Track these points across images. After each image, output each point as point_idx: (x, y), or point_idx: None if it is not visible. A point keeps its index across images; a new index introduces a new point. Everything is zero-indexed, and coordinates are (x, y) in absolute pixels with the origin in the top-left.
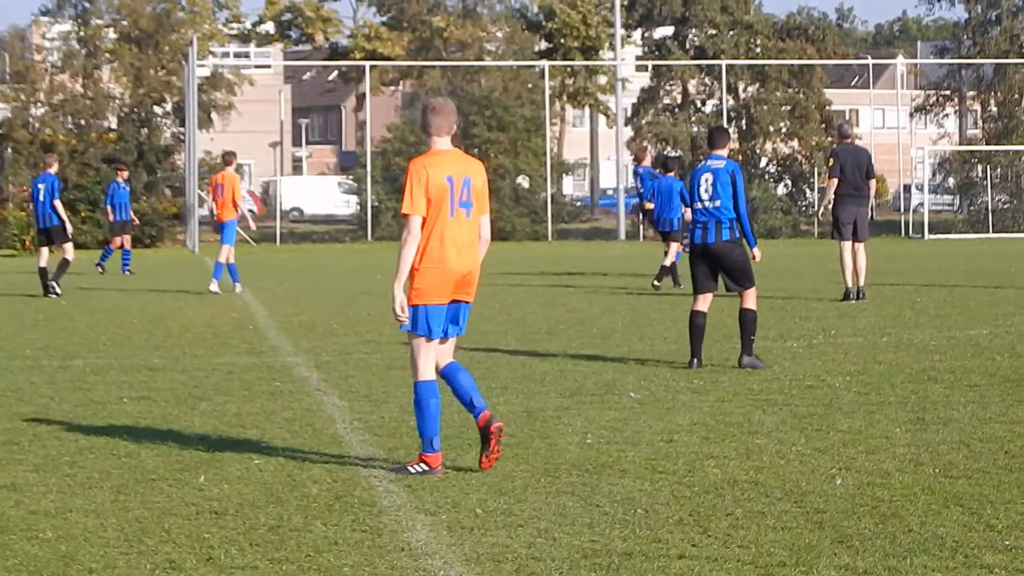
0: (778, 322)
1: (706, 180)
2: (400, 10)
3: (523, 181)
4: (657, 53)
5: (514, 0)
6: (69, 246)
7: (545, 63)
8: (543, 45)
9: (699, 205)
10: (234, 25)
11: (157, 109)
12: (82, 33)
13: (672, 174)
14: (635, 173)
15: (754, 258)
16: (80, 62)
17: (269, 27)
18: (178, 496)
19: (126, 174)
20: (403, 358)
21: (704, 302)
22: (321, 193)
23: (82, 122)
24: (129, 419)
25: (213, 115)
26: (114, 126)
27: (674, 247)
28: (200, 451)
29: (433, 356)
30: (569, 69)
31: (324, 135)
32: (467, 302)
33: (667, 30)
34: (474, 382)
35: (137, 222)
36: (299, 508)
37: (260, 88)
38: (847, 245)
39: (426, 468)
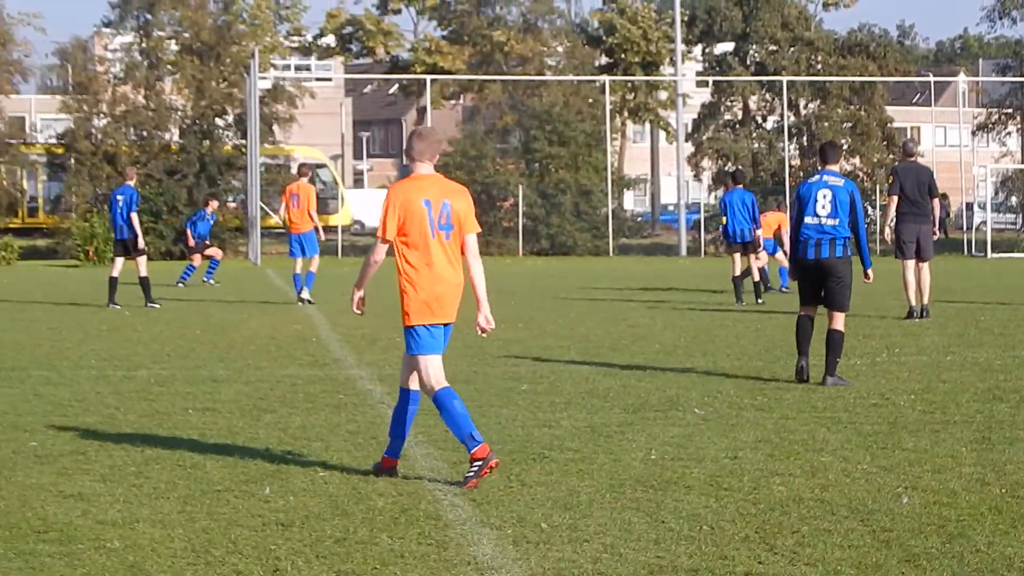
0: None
1: (823, 196)
2: (461, 24)
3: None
4: (717, 69)
5: (575, 15)
6: (142, 260)
7: (606, 78)
8: (604, 60)
9: (813, 220)
10: (295, 38)
11: (219, 121)
12: (144, 45)
13: (742, 186)
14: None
15: (866, 278)
16: (142, 74)
17: (330, 40)
18: (244, 508)
19: (215, 205)
20: (466, 372)
21: (812, 309)
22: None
23: (144, 133)
24: (194, 430)
25: (274, 127)
26: (176, 138)
27: (755, 257)
28: (265, 463)
29: (440, 366)
30: (630, 84)
31: (385, 148)
32: (447, 324)
33: (727, 46)
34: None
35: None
36: (365, 520)
37: (321, 101)
38: (910, 264)
39: (481, 463)
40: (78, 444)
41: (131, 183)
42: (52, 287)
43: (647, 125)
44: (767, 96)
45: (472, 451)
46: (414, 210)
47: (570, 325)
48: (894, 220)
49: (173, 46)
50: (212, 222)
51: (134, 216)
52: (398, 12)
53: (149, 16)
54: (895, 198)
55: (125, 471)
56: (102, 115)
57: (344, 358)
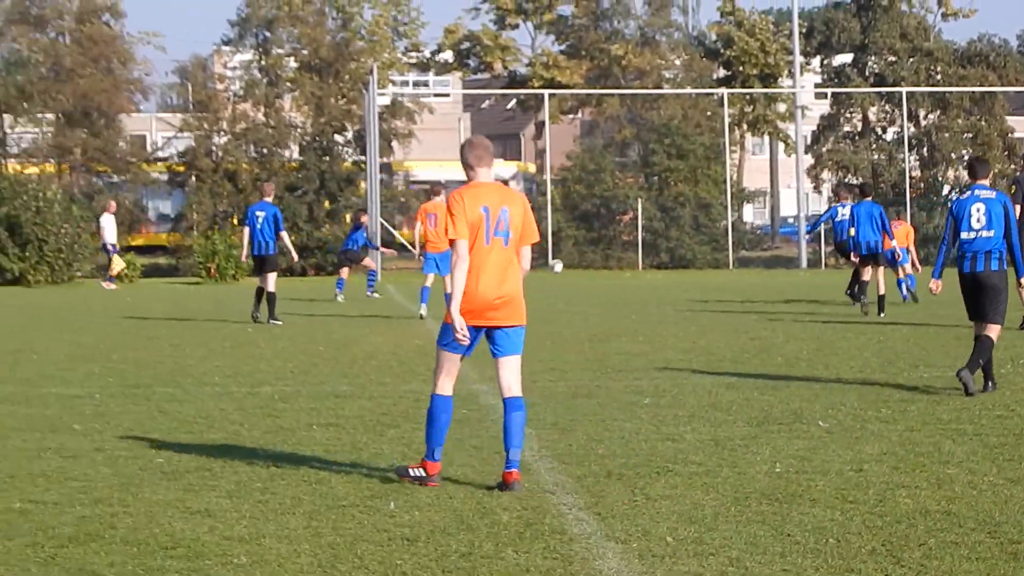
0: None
1: (977, 210)
2: (578, 38)
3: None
4: (836, 80)
5: (692, 28)
6: (272, 277)
7: (724, 91)
8: (722, 73)
9: (969, 235)
10: (413, 54)
11: (338, 137)
12: (263, 62)
13: (870, 198)
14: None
15: (1020, 287)
16: (262, 91)
17: (448, 55)
18: (370, 522)
19: (367, 219)
20: (588, 386)
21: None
22: None
23: (264, 151)
24: (319, 446)
25: (393, 143)
26: (296, 155)
27: (880, 270)
28: (390, 478)
29: (454, 373)
30: (748, 97)
31: None
32: (503, 327)
33: (846, 57)
34: (521, 430)
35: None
36: (490, 535)
37: (439, 116)
38: None
39: (423, 474)
40: (203, 460)
41: (269, 199)
42: (174, 304)
43: (766, 137)
44: (886, 107)
45: (426, 460)
46: (472, 216)
47: (691, 338)
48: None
49: (292, 63)
50: (365, 235)
51: (284, 235)
52: (516, 27)
53: (268, 34)
54: (1018, 207)
55: (251, 487)
56: (222, 133)
57: (466, 373)
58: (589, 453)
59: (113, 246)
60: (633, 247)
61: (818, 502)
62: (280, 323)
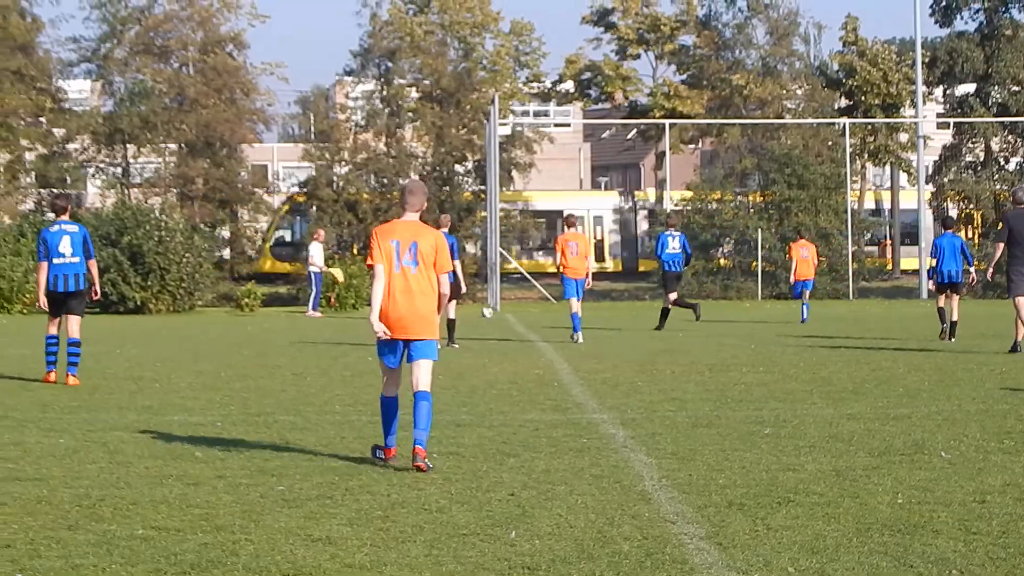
0: None
1: None
2: (700, 68)
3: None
4: (959, 110)
5: (814, 58)
6: (452, 304)
7: (845, 121)
8: (843, 102)
9: None
10: (534, 84)
11: (458, 167)
12: (385, 92)
13: (952, 231)
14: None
15: None
16: (383, 121)
17: (569, 85)
18: (490, 551)
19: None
20: (708, 416)
21: None
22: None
23: (385, 180)
24: (439, 474)
25: (513, 173)
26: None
27: (955, 298)
28: (510, 507)
29: (391, 378)
30: (870, 126)
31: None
32: (415, 339)
33: (969, 87)
34: (426, 416)
35: None
36: (611, 564)
37: (559, 146)
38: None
39: (383, 458)
40: (324, 488)
41: (445, 229)
42: (295, 333)
43: (887, 167)
44: (1009, 137)
45: (385, 447)
46: (384, 248)
47: (812, 369)
48: (1006, 263)
49: (413, 93)
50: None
51: (456, 263)
52: (637, 57)
53: (390, 64)
54: (1001, 245)
55: (371, 515)
56: (343, 163)
57: (586, 402)
58: (710, 483)
59: (320, 272)
60: (752, 277)
61: (941, 533)
62: (457, 346)
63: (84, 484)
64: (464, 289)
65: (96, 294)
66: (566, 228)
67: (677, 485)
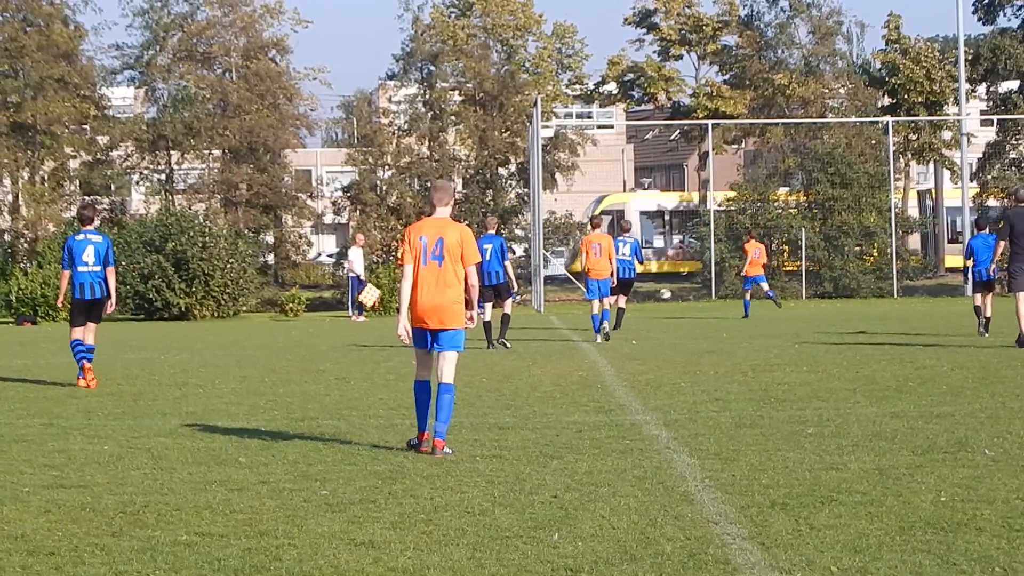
0: None
1: None
2: (742, 68)
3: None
4: (1002, 107)
5: (857, 56)
6: (509, 303)
7: (888, 119)
8: (886, 101)
9: None
10: (577, 86)
11: (501, 170)
12: (428, 96)
13: (986, 231)
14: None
15: None
16: (426, 125)
17: (611, 87)
18: (533, 554)
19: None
20: (751, 416)
21: None
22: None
23: (428, 184)
24: (482, 477)
25: (556, 175)
26: (459, 188)
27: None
28: (553, 509)
29: (427, 363)
30: (913, 124)
31: None
32: (441, 329)
33: (1012, 83)
34: (448, 408)
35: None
36: (653, 566)
37: (602, 148)
38: (1021, 295)
39: (416, 444)
40: (367, 493)
41: (493, 231)
42: (339, 338)
43: (931, 165)
44: None
45: (420, 432)
46: (414, 244)
47: (855, 367)
48: (1008, 259)
49: (456, 97)
50: None
51: (508, 264)
52: (679, 58)
53: (432, 68)
54: (1003, 243)
55: (415, 519)
56: (387, 167)
57: (629, 404)
58: (752, 483)
59: (362, 279)
60: (796, 277)
61: (984, 531)
62: (509, 347)
63: (128, 490)
64: (515, 288)
65: (112, 306)
66: (591, 229)
67: (720, 485)
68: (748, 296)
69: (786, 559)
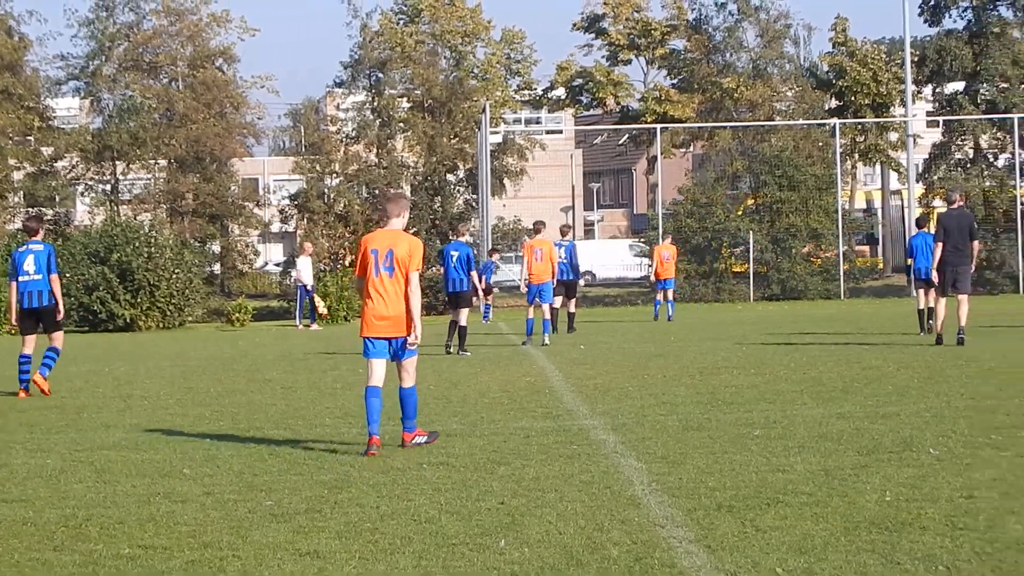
0: None
1: None
2: (691, 72)
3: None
4: (948, 108)
5: (804, 59)
6: (464, 312)
7: (835, 121)
8: (833, 103)
9: None
10: (525, 91)
11: (450, 177)
12: (376, 103)
13: (924, 229)
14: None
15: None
16: (374, 132)
17: (560, 92)
18: (479, 561)
19: (497, 256)
20: (699, 418)
21: None
22: (613, 256)
23: (376, 191)
24: (428, 484)
25: (505, 181)
26: (408, 195)
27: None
28: (500, 515)
29: (376, 372)
30: (860, 126)
31: (615, 198)
32: (397, 337)
33: (958, 85)
34: (410, 406)
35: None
36: (600, 571)
37: (551, 153)
38: (942, 298)
39: (369, 447)
40: (313, 502)
41: (462, 239)
42: (286, 347)
43: (878, 167)
44: (998, 134)
45: (370, 436)
46: (365, 255)
47: (802, 369)
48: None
49: (404, 104)
50: (494, 270)
51: (474, 274)
52: (628, 63)
53: (381, 75)
54: (940, 244)
55: (360, 527)
56: (334, 175)
57: (577, 408)
58: (699, 486)
59: (310, 288)
60: (744, 279)
61: (928, 530)
62: (469, 354)
63: (71, 504)
64: (482, 299)
65: (60, 313)
66: (535, 234)
67: (667, 489)
68: (669, 296)
69: (732, 561)
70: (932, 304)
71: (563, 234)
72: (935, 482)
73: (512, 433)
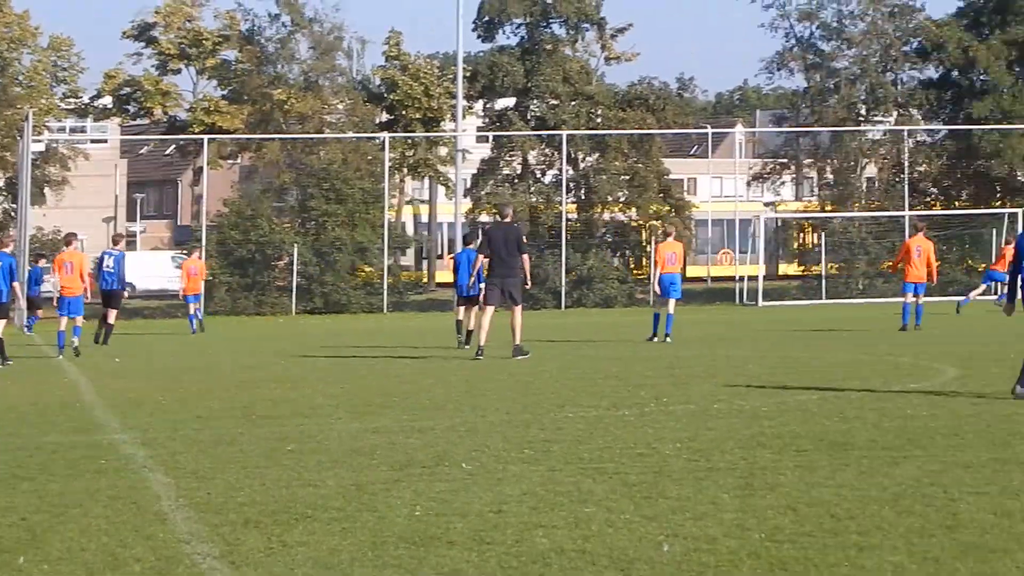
0: (612, 391)
1: None
2: (241, 83)
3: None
4: (498, 124)
5: (356, 72)
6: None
7: (386, 135)
8: (384, 117)
9: None
10: (72, 99)
11: None
12: None
13: (472, 246)
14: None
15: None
16: None
17: (107, 101)
18: None
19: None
20: (232, 433)
21: None
22: (154, 268)
23: None
24: None
25: (46, 190)
26: None
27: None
28: (20, 531)
29: None
30: (410, 140)
31: (160, 209)
32: None
33: (509, 101)
34: None
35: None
36: None
37: (95, 163)
38: (488, 310)
39: None
40: None
41: (7, 250)
42: None
43: (427, 181)
44: (547, 150)
45: None
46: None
47: (340, 383)
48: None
49: None
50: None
51: (16, 285)
52: (178, 72)
53: None
54: (481, 256)
55: None
56: None
57: (108, 422)
58: (228, 501)
59: None
60: (287, 292)
61: (456, 544)
62: (11, 364)
63: None
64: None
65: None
66: (65, 247)
67: (194, 504)
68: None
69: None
70: (475, 320)
71: (115, 243)
72: (466, 496)
73: (38, 448)
